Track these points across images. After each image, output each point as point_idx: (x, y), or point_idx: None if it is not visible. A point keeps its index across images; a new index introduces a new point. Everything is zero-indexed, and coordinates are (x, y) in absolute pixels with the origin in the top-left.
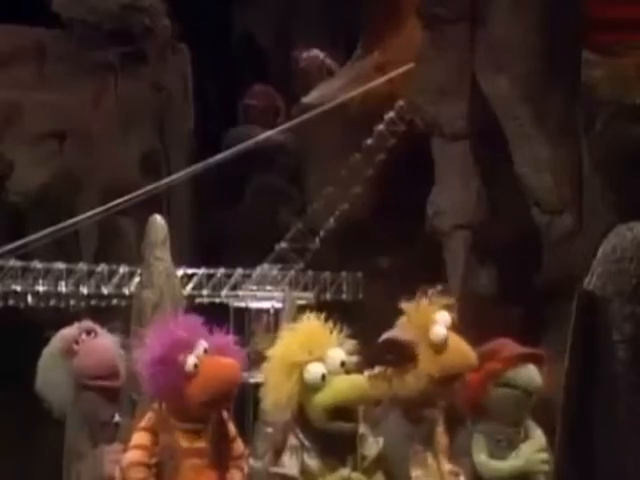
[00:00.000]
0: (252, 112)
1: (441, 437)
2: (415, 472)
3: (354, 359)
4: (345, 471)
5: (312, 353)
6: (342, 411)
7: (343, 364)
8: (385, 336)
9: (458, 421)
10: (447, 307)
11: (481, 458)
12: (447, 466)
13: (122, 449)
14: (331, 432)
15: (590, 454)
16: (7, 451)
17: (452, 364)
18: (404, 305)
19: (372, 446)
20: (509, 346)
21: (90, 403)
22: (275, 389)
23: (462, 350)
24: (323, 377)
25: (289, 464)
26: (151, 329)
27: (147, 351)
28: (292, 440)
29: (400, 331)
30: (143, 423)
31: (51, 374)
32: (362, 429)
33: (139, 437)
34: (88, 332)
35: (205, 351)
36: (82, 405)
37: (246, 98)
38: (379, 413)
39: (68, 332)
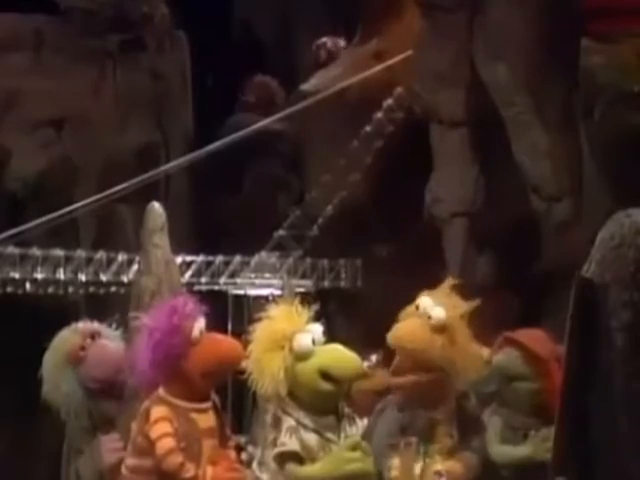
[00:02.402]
0: (247, 105)
1: (443, 438)
2: (394, 461)
3: None
4: (357, 437)
5: (296, 325)
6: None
7: (325, 333)
8: None
9: None
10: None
11: (490, 438)
12: (437, 466)
13: (119, 438)
14: (322, 396)
15: (587, 442)
16: (5, 440)
17: None
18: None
19: (358, 425)
20: (515, 333)
21: (99, 404)
22: (269, 366)
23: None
24: (313, 342)
25: (289, 442)
26: (150, 309)
27: (150, 324)
28: (289, 421)
29: None
30: (157, 414)
31: (58, 382)
32: (347, 409)
33: (162, 427)
34: (92, 336)
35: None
36: (90, 406)
37: (242, 91)
38: (383, 404)
39: (71, 338)
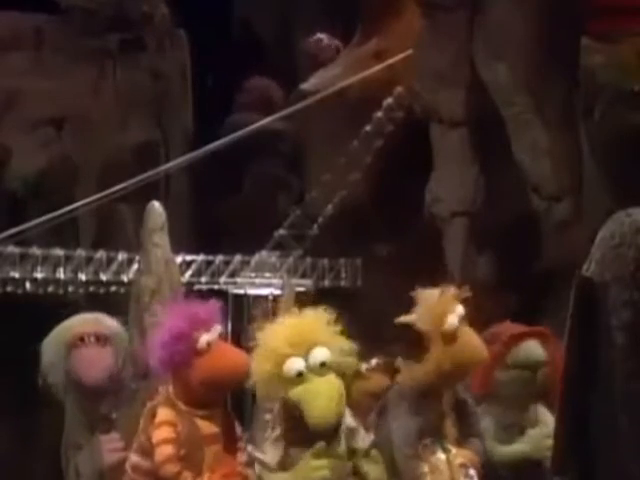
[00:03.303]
0: (245, 106)
1: (450, 429)
2: (424, 468)
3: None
4: (322, 444)
5: (295, 348)
6: None
7: (324, 364)
8: (402, 320)
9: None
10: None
11: (488, 443)
12: (459, 459)
13: (120, 438)
14: (301, 424)
15: (587, 442)
16: (5, 438)
17: (462, 357)
18: (419, 292)
19: (364, 439)
20: (510, 327)
21: (85, 400)
22: (259, 376)
23: (474, 344)
24: (299, 374)
25: (269, 452)
26: (171, 304)
27: (163, 323)
28: (277, 430)
29: (417, 319)
30: (162, 417)
31: (51, 350)
32: (353, 423)
33: (164, 431)
34: (97, 337)
35: (219, 337)
36: (79, 399)
37: (239, 91)
38: (381, 406)
39: (79, 325)
